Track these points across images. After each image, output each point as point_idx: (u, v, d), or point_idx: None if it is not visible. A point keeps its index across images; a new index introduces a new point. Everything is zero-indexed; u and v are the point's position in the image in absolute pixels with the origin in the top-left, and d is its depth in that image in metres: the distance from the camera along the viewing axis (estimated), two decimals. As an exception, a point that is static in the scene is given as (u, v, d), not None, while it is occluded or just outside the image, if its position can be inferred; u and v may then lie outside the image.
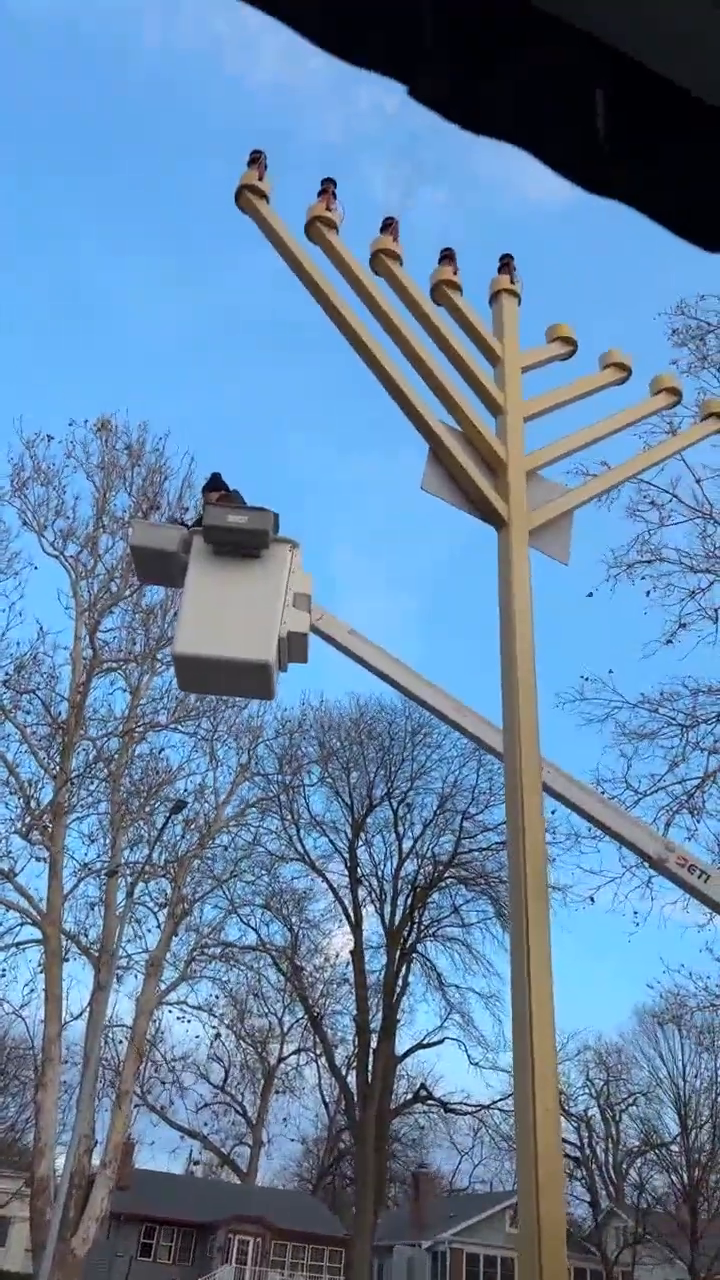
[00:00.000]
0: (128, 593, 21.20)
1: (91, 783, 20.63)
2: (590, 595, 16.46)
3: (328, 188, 5.73)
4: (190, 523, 5.90)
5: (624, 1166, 46.44)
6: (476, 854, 35.74)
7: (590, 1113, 45.14)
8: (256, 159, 5.68)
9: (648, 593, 16.43)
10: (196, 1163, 52.45)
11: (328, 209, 5.67)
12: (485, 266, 6.26)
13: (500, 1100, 37.67)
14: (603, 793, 12.55)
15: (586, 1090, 45.39)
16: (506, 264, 6.21)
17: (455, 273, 5.93)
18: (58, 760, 19.96)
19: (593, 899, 17.27)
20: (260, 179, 5.62)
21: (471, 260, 6.02)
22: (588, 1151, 44.70)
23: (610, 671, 20.21)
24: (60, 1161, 18.82)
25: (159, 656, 21.00)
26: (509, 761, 4.52)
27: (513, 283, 6.17)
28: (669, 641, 16.37)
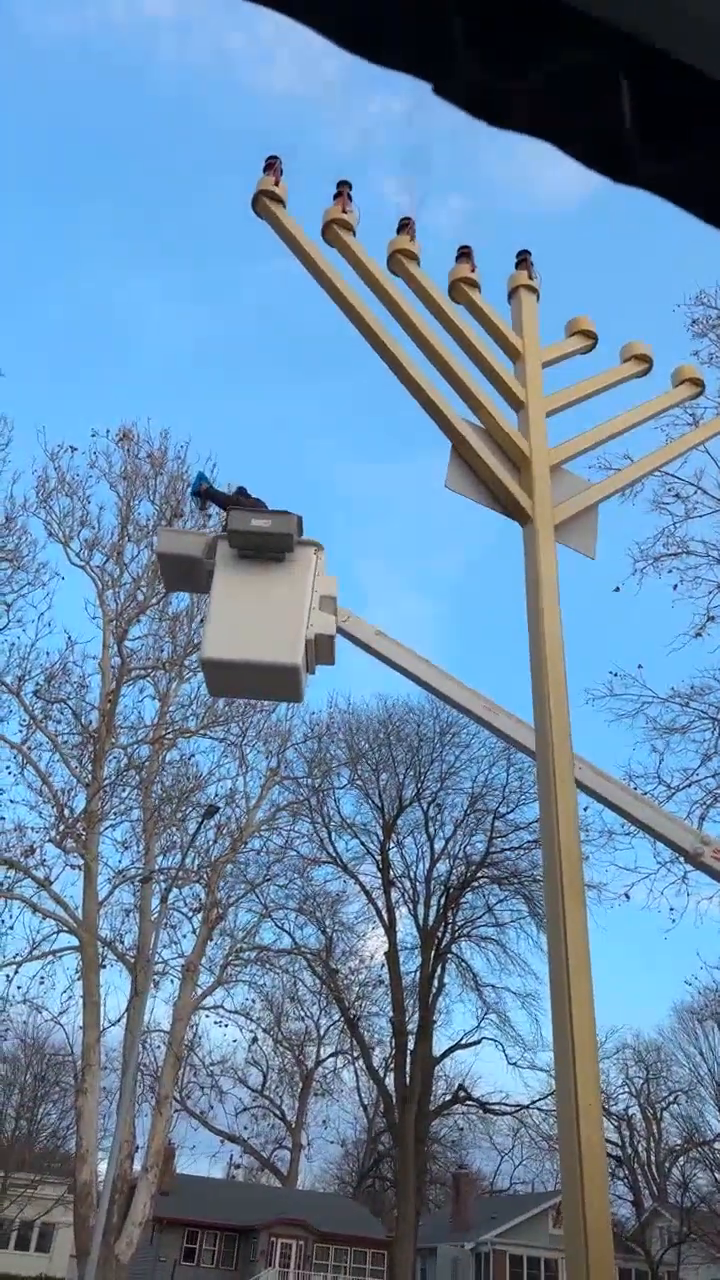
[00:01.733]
0: (154, 600, 21.33)
1: (123, 790, 20.78)
2: (617, 590, 16.37)
3: (343, 190, 5.73)
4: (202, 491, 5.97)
5: (666, 1165, 46.04)
6: (509, 853, 35.60)
7: (631, 1111, 44.84)
8: (272, 165, 5.70)
9: (675, 586, 16.32)
10: (237, 1167, 52.62)
11: (344, 211, 5.68)
12: (502, 266, 6.25)
13: (539, 1100, 37.48)
14: (635, 788, 12.46)
15: (626, 1089, 45.09)
16: (524, 259, 6.18)
17: (473, 270, 5.92)
18: (89, 768, 20.11)
19: (628, 896, 17.16)
20: (276, 184, 5.64)
21: (489, 261, 6.01)
22: (629, 1150, 44.39)
23: (640, 666, 20.05)
24: (102, 1167, 18.95)
25: (187, 663, 21.12)
26: (541, 759, 4.50)
27: (531, 278, 6.15)
28: (698, 634, 16.24)
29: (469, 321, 5.82)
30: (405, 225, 5.84)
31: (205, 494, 6.10)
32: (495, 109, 0.84)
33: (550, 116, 0.86)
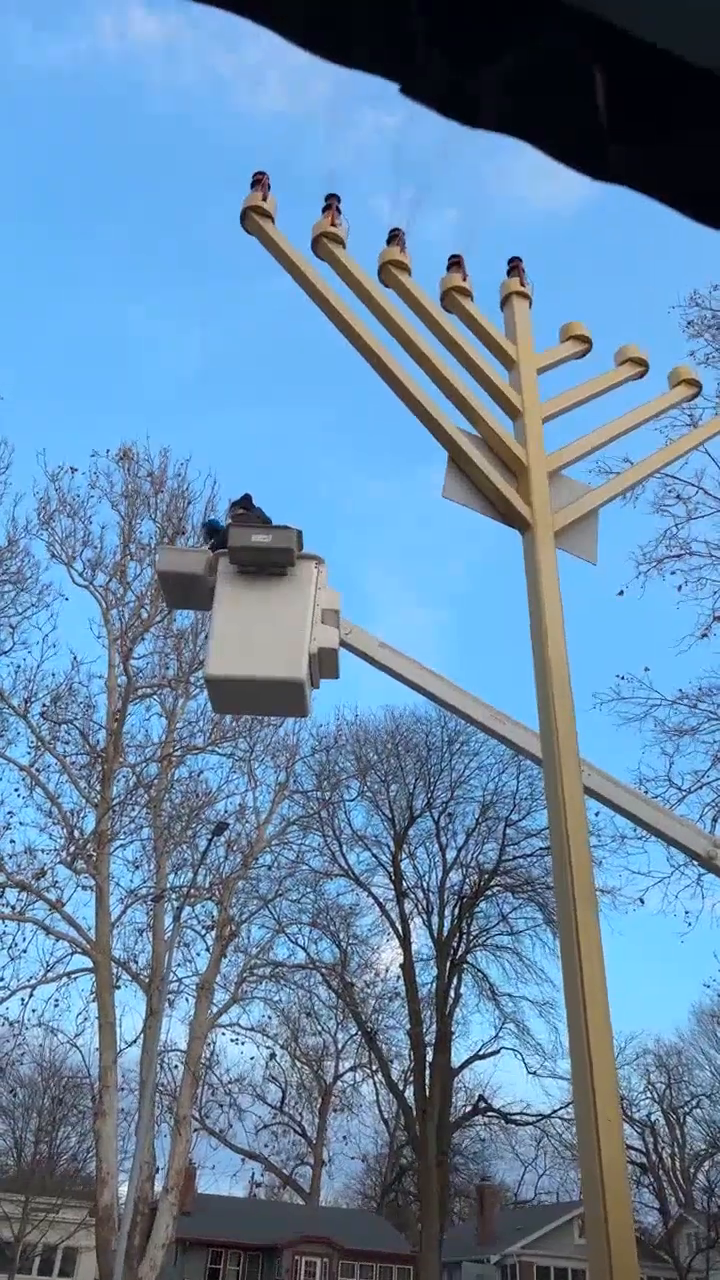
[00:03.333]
0: (158, 619, 21.34)
1: (133, 809, 20.75)
2: (621, 594, 16.35)
3: (332, 203, 5.73)
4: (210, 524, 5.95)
5: (692, 1170, 45.64)
6: (521, 861, 35.46)
7: (653, 1117, 44.49)
8: (260, 180, 5.70)
9: (679, 587, 16.29)
10: (259, 1185, 52.31)
11: (333, 224, 5.68)
12: (494, 275, 6.25)
13: (561, 1109, 37.20)
14: (646, 792, 12.39)
15: (648, 1094, 44.75)
16: (515, 266, 6.18)
17: (465, 279, 5.91)
18: (98, 788, 20.09)
19: (642, 900, 17.08)
20: (264, 199, 5.64)
21: (481, 269, 6.01)
22: (654, 1157, 44.01)
23: (646, 669, 20.02)
24: (123, 1189, 18.84)
25: (192, 680, 21.10)
26: (548, 766, 4.46)
27: (523, 285, 6.14)
28: (704, 635, 16.20)
29: (462, 330, 5.81)
30: (395, 236, 5.84)
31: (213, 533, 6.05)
32: (465, 107, 0.82)
33: (522, 112, 0.84)
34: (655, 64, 0.74)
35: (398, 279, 5.75)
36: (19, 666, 20.51)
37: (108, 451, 22.12)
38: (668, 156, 0.83)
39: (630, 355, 6.30)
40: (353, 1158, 51.09)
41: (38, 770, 19.95)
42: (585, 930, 3.89)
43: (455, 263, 5.96)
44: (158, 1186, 19.62)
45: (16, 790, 19.93)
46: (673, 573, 16.37)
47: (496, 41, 0.79)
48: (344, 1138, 46.22)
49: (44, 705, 20.20)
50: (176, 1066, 21.06)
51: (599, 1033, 3.63)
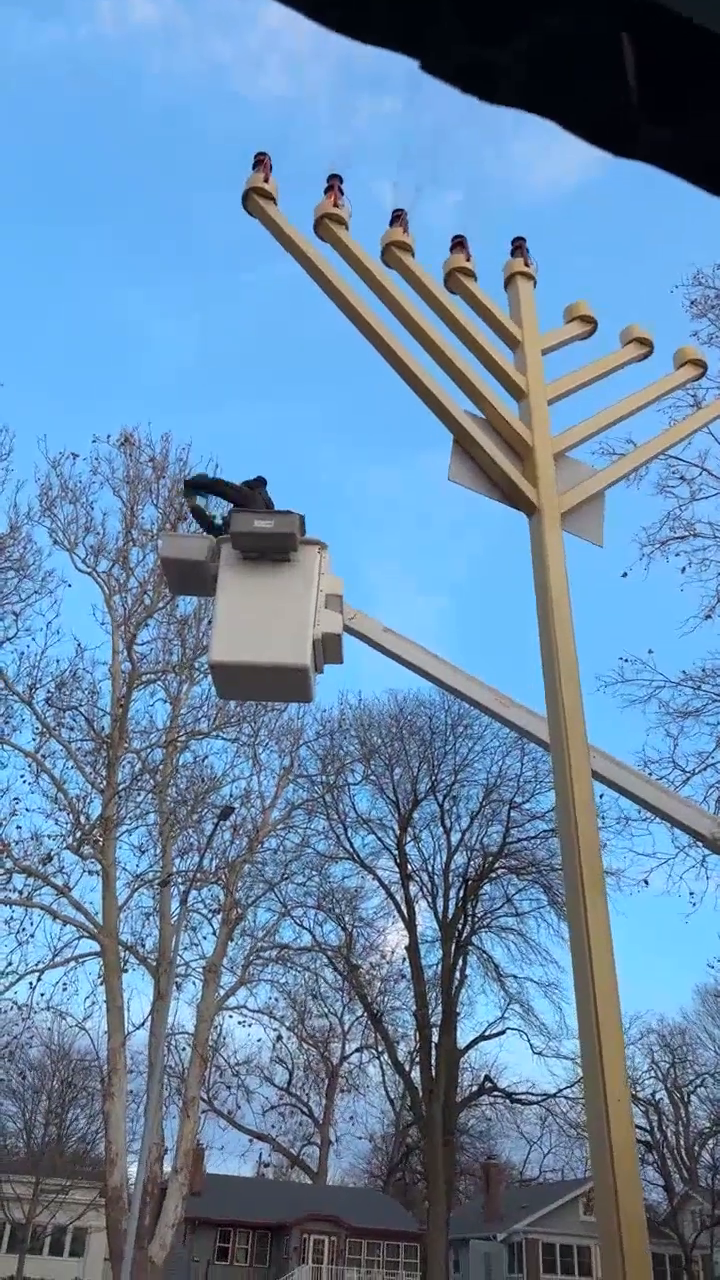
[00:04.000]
0: (161, 604, 21.32)
1: (138, 794, 20.79)
2: (625, 575, 16.31)
3: (334, 184, 5.67)
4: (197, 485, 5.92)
5: (696, 1149, 45.99)
6: (526, 843, 35.57)
7: (658, 1096, 44.79)
8: (261, 161, 5.64)
9: (683, 569, 16.25)
10: (267, 1165, 52.79)
11: (335, 205, 5.62)
12: (497, 256, 6.19)
13: (566, 1088, 37.48)
14: (650, 774, 12.40)
15: (652, 1074, 45.03)
16: (519, 247, 6.11)
17: (468, 259, 5.86)
18: (104, 774, 20.13)
19: (647, 882, 17.17)
20: (266, 180, 5.59)
21: (484, 251, 5.95)
22: (658, 1135, 44.33)
23: (650, 651, 20.00)
24: (132, 1170, 19.00)
25: (196, 665, 21.11)
26: (555, 748, 4.46)
27: (527, 265, 6.08)
28: (708, 617, 16.17)
29: (466, 311, 5.76)
30: (398, 217, 5.78)
31: (202, 485, 6.02)
32: (486, 83, 0.80)
33: (545, 88, 0.82)
34: (688, 38, 0.72)
35: (401, 260, 5.70)
36: (23, 653, 20.52)
37: (109, 437, 22.06)
38: (700, 134, 0.80)
39: (635, 335, 6.25)
40: (359, 1138, 51.57)
41: (43, 756, 19.99)
42: (594, 912, 3.90)
43: (458, 243, 5.91)
44: (167, 1167, 19.80)
45: (22, 777, 19.98)
46: (677, 554, 16.33)
47: (519, 15, 0.77)
48: (351, 1118, 46.59)
49: (49, 692, 20.22)
50: (184, 1049, 21.23)
51: (608, 1013, 3.65)
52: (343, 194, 5.66)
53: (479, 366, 5.54)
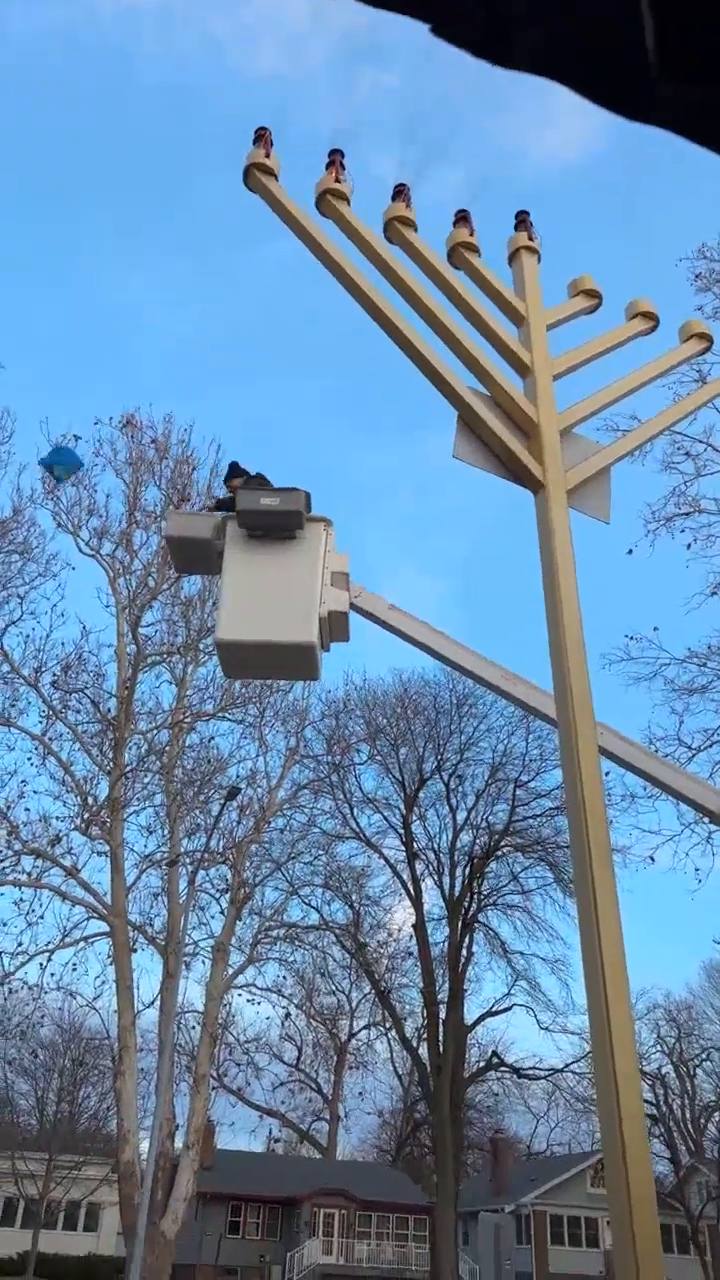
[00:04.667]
0: (165, 586, 21.32)
1: (145, 776, 20.89)
2: (630, 552, 16.27)
3: (335, 159, 5.61)
4: (214, 505, 5.88)
5: (702, 1121, 46.41)
6: (531, 821, 35.68)
7: (664, 1070, 45.14)
8: (262, 136, 5.58)
9: (688, 545, 16.20)
10: (277, 1140, 53.39)
11: (337, 180, 5.57)
12: (500, 232, 6.12)
13: (573, 1063, 37.79)
14: (656, 751, 12.40)
15: (659, 1048, 45.37)
16: (523, 220, 6.05)
17: (472, 234, 5.80)
18: (110, 756, 20.21)
19: (653, 858, 17.23)
20: (267, 156, 5.53)
21: (486, 228, 5.88)
22: (664, 1109, 44.72)
23: (655, 629, 19.95)
24: (144, 1146, 19.23)
25: (201, 646, 21.14)
26: (562, 725, 4.46)
27: (531, 239, 6.02)
28: (714, 593, 16.13)
29: (470, 287, 5.71)
30: (400, 192, 5.72)
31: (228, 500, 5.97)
32: (500, 48, 0.78)
33: (559, 52, 0.80)
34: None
35: (404, 235, 5.64)
36: (28, 636, 20.57)
37: (111, 419, 21.99)
38: (711, 96, 0.78)
39: (641, 309, 6.19)
40: (368, 1113, 52.07)
41: (50, 739, 20.08)
42: (602, 885, 3.91)
43: (462, 218, 5.85)
44: (178, 1143, 20.02)
45: (30, 759, 20.08)
46: (682, 531, 16.28)
47: None
48: (359, 1094, 47.05)
49: (54, 675, 20.28)
50: (194, 1027, 21.42)
51: (616, 986, 3.67)
52: (344, 169, 5.60)
53: (483, 342, 5.50)
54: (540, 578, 4.91)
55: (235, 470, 5.91)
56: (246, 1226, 42.18)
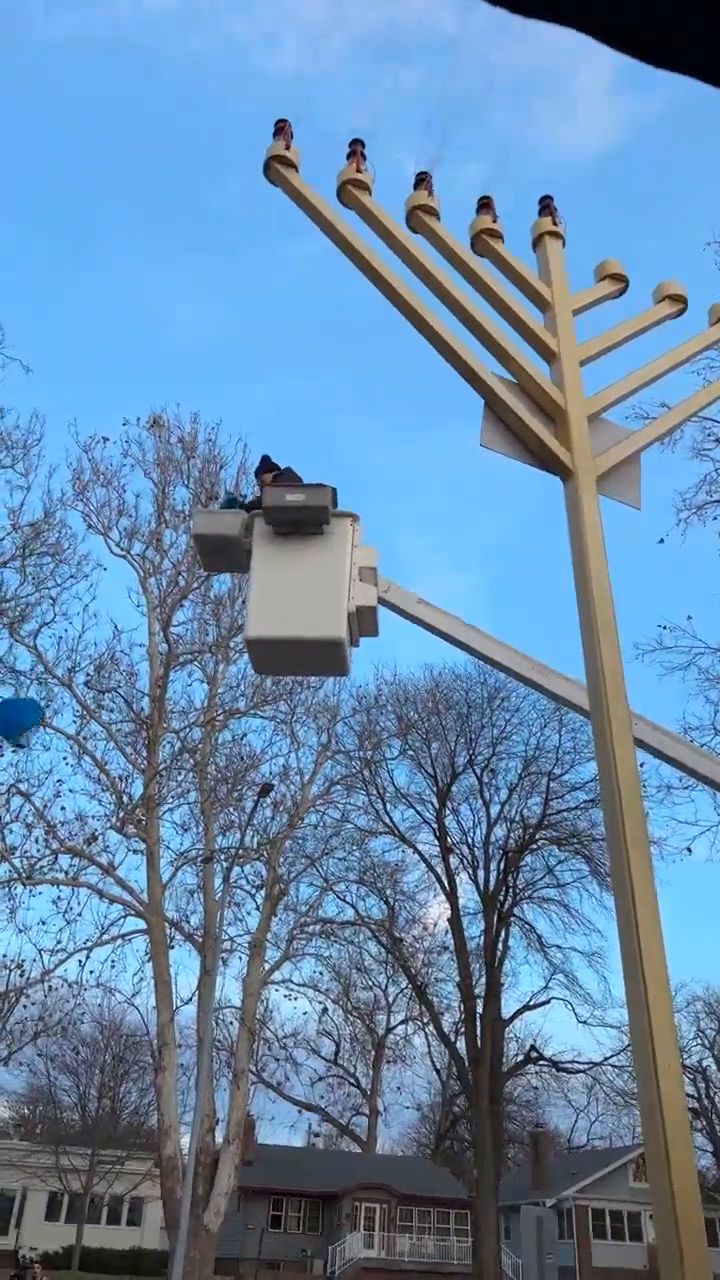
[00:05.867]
0: (195, 585, 21.43)
1: (179, 773, 21.02)
2: (661, 541, 16.10)
3: (356, 149, 5.58)
4: (247, 503, 5.87)
5: (744, 1115, 45.96)
6: (566, 814, 35.47)
7: (705, 1063, 44.75)
8: (282, 129, 5.56)
9: (721, 533, 15.97)
10: (316, 1135, 53.63)
11: (358, 171, 5.53)
12: (523, 221, 6.04)
13: (612, 1056, 37.54)
14: (692, 741, 12.24)
15: (699, 1041, 44.98)
16: (547, 205, 5.97)
17: (495, 220, 5.74)
18: (144, 755, 20.35)
19: (689, 850, 17.06)
20: (287, 148, 5.51)
21: (509, 217, 5.81)
22: (705, 1102, 44.33)
23: (689, 618, 19.74)
24: (185, 1141, 19.38)
25: (232, 645, 21.23)
26: (596, 716, 4.40)
27: (555, 224, 5.94)
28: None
29: (494, 274, 5.65)
30: (422, 180, 5.67)
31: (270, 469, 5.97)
32: None
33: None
34: None
35: (426, 224, 5.59)
36: (61, 637, 20.75)
37: (138, 420, 22.11)
38: None
39: (669, 292, 6.09)
40: (407, 1107, 52.15)
41: (85, 739, 20.25)
42: (639, 875, 3.86)
43: (485, 204, 5.78)
44: (219, 1138, 20.15)
45: (65, 759, 20.32)
46: (715, 518, 16.08)
47: None
48: (398, 1088, 47.11)
49: (88, 675, 20.46)
50: (232, 1023, 21.55)
51: (655, 977, 3.62)
52: (365, 159, 5.57)
53: (509, 329, 5.44)
54: (571, 566, 4.86)
55: (266, 464, 5.90)
56: (288, 1220, 42.41)
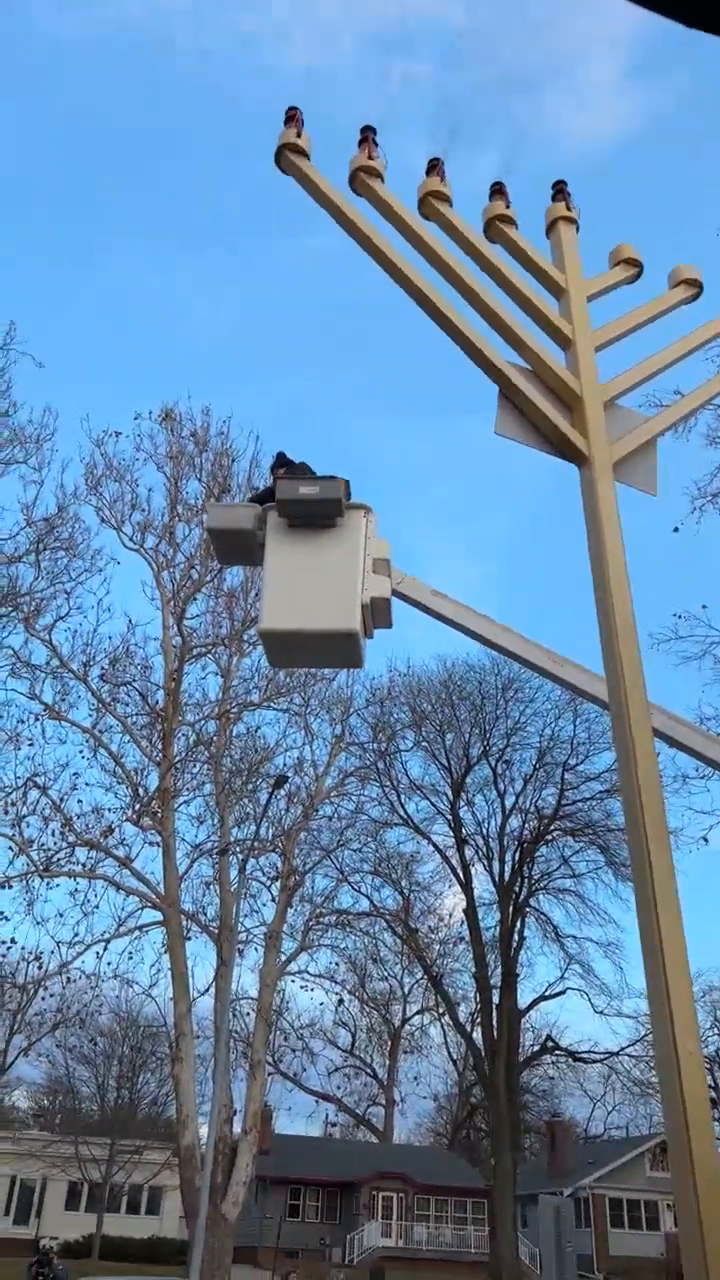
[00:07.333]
0: (209, 579, 21.46)
1: (194, 766, 21.08)
2: (676, 530, 16.00)
3: (368, 136, 5.54)
4: (259, 496, 5.86)
5: (762, 1104, 45.92)
6: (581, 805, 35.44)
7: (721, 1053, 44.67)
8: (293, 116, 5.53)
9: (736, 520, 15.87)
10: (334, 1125, 53.86)
11: (370, 158, 5.50)
12: (536, 208, 5.99)
13: (628, 1046, 37.55)
14: (708, 730, 12.19)
15: (715, 1030, 44.90)
16: (560, 190, 5.92)
17: (508, 206, 5.70)
18: (159, 747, 20.41)
19: (706, 839, 17.02)
20: (298, 136, 5.48)
21: (522, 206, 5.76)
22: (723, 1092, 44.29)
23: (704, 606, 19.62)
24: (203, 1131, 19.49)
25: (245, 637, 21.25)
26: (614, 704, 4.38)
27: (569, 209, 5.89)
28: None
29: (508, 260, 5.61)
30: (434, 166, 5.63)
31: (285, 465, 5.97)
32: None
33: None
34: None
35: (439, 210, 5.56)
36: (76, 631, 20.85)
37: (150, 413, 22.12)
38: None
39: (685, 277, 6.03)
40: (424, 1097, 52.34)
41: (100, 732, 20.33)
42: (658, 862, 3.84)
43: (498, 190, 5.74)
44: (236, 1128, 20.25)
45: (81, 752, 20.37)
46: (730, 506, 15.95)
47: None
48: (414, 1078, 47.28)
49: (103, 668, 20.52)
50: (248, 1013, 21.62)
51: (675, 964, 3.61)
52: (377, 146, 5.53)
53: (523, 315, 5.40)
54: (586, 553, 4.83)
55: (281, 460, 5.89)
56: (306, 1209, 42.65)
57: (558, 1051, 39.97)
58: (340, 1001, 25.39)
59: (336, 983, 24.52)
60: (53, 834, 19.23)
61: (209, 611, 21.85)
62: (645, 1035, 35.24)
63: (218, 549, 5.90)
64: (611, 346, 5.60)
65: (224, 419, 23.29)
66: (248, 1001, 21.75)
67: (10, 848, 18.86)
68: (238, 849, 20.98)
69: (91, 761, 20.33)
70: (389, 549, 5.30)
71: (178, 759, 20.44)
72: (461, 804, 36.82)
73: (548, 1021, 53.98)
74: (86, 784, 20.61)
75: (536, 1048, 40.13)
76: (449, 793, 36.71)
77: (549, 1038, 40.54)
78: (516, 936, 35.38)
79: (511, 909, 35.34)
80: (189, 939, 19.62)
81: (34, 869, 18.82)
